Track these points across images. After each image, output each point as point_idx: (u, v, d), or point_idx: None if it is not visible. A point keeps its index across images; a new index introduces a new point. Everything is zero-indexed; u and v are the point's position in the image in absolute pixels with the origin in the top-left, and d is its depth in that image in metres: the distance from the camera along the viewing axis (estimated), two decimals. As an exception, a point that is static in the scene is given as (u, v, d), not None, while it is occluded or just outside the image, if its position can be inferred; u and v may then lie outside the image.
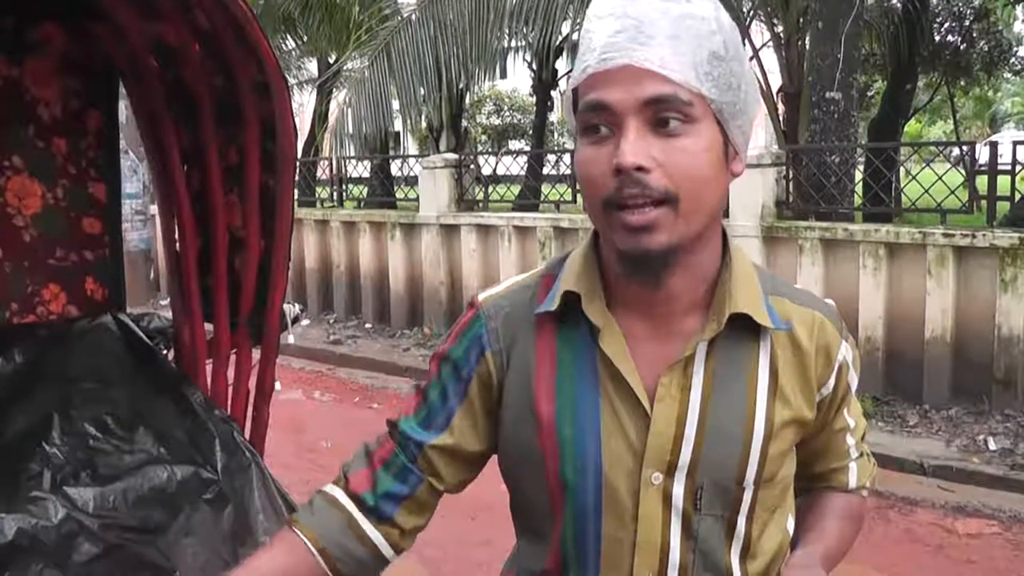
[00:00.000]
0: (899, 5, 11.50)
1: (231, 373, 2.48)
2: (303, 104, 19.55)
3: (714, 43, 1.06)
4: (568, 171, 9.46)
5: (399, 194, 11.26)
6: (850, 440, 1.33)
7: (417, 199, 9.77)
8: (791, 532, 1.28)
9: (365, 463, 1.28)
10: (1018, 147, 6.83)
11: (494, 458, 1.29)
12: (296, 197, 11.76)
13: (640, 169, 1.04)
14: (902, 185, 8.00)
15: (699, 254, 1.14)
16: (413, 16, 10.17)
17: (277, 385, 2.48)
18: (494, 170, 10.49)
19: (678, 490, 1.14)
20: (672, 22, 1.05)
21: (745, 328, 1.15)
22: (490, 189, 9.78)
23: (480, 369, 1.23)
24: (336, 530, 1.27)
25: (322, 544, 1.27)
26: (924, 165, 7.55)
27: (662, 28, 1.04)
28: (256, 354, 2.43)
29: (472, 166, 9.88)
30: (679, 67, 1.04)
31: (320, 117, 14.21)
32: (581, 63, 1.09)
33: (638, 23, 1.04)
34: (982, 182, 6.98)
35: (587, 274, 1.18)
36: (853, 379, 1.26)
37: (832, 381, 1.22)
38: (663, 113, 1.04)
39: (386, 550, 1.28)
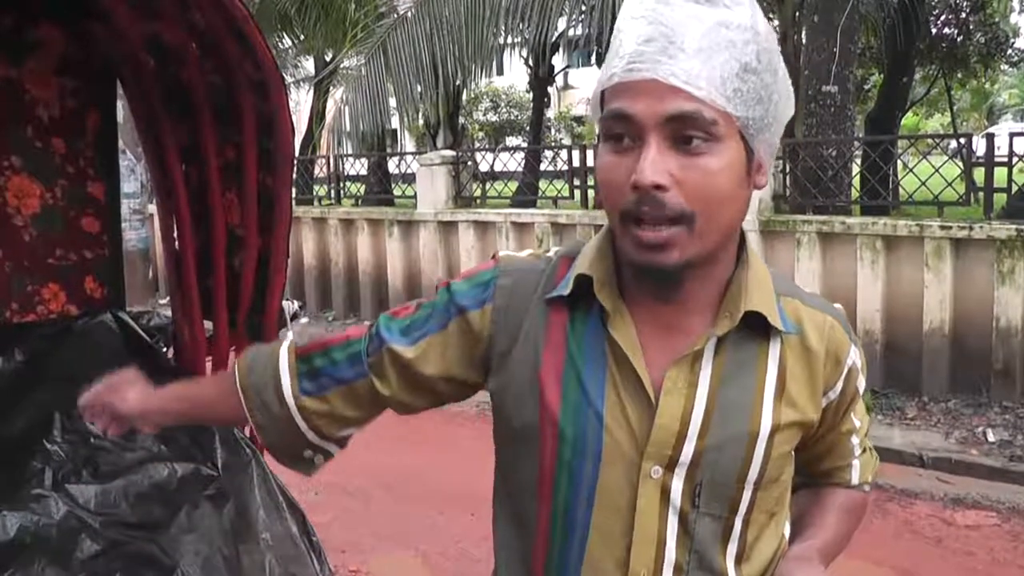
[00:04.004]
0: (895, -2, 11.49)
1: (231, 370, 2.49)
2: (300, 102, 19.52)
3: (747, 54, 1.04)
4: (565, 167, 9.47)
5: (397, 191, 11.27)
6: (854, 440, 1.33)
7: (415, 196, 9.78)
8: (787, 537, 1.27)
9: (334, 334, 1.32)
10: (1015, 139, 6.84)
11: (492, 452, 1.28)
12: (294, 195, 11.68)
13: (658, 187, 1.02)
14: (899, 178, 8.01)
15: (715, 262, 1.13)
16: (409, 13, 10.16)
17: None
18: (491, 166, 10.50)
19: (677, 486, 1.14)
20: (705, 32, 1.02)
21: (756, 328, 1.15)
22: (487, 185, 9.79)
23: (472, 315, 1.22)
24: (261, 379, 1.32)
25: (246, 383, 1.32)
26: (921, 158, 7.56)
27: (693, 38, 1.02)
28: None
29: (469, 163, 9.89)
30: (706, 83, 1.01)
31: (317, 115, 14.19)
32: (609, 67, 1.07)
33: (670, 31, 1.02)
34: (979, 174, 6.98)
35: (602, 261, 1.17)
36: (861, 383, 1.26)
37: (840, 385, 1.22)
38: (686, 131, 1.03)
39: (300, 422, 1.30)
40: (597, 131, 1.13)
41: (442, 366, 1.24)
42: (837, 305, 1.26)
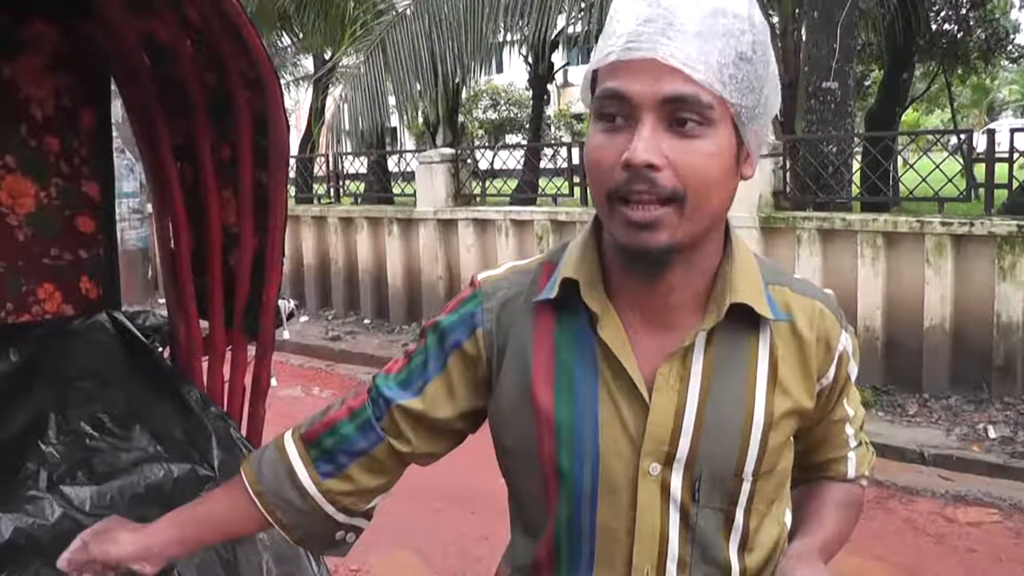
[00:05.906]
0: (895, -6, 11.46)
1: (227, 370, 2.47)
2: (299, 101, 19.52)
3: (743, 43, 1.04)
4: (565, 164, 9.46)
5: (396, 189, 11.26)
6: (849, 430, 1.33)
7: (414, 194, 9.77)
8: (788, 525, 1.28)
9: (335, 409, 1.29)
10: (1015, 135, 6.83)
11: (492, 449, 1.28)
12: (294, 194, 11.66)
13: (651, 167, 1.02)
14: (900, 174, 8.00)
15: (701, 250, 1.13)
16: (408, 11, 10.14)
17: (273, 381, 2.48)
18: (491, 164, 10.49)
19: (676, 481, 1.14)
20: (703, 17, 1.02)
21: (745, 318, 1.15)
22: (487, 183, 9.78)
23: (467, 345, 1.22)
24: (275, 478, 1.28)
25: (259, 488, 1.28)
26: (921, 154, 7.54)
27: (692, 23, 1.02)
28: (252, 350, 2.42)
29: (469, 160, 9.89)
30: (704, 67, 1.02)
31: (316, 113, 14.18)
32: (605, 47, 1.06)
33: (668, 14, 1.02)
34: (980, 170, 6.97)
35: (587, 262, 1.17)
36: (853, 369, 1.26)
37: (832, 371, 1.22)
38: (681, 113, 1.03)
39: (327, 507, 1.28)
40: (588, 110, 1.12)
41: (453, 406, 1.24)
42: (828, 291, 1.26)
